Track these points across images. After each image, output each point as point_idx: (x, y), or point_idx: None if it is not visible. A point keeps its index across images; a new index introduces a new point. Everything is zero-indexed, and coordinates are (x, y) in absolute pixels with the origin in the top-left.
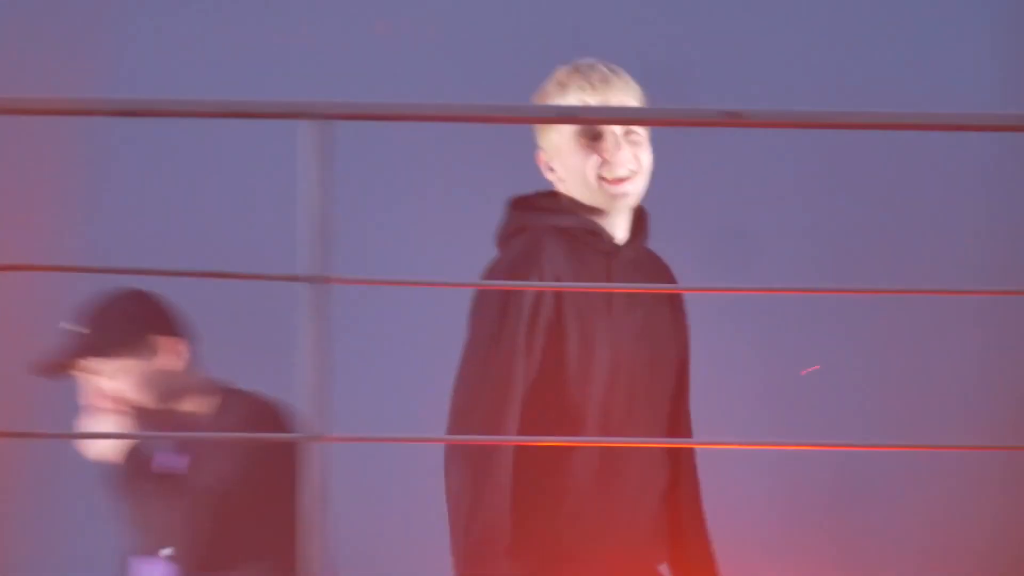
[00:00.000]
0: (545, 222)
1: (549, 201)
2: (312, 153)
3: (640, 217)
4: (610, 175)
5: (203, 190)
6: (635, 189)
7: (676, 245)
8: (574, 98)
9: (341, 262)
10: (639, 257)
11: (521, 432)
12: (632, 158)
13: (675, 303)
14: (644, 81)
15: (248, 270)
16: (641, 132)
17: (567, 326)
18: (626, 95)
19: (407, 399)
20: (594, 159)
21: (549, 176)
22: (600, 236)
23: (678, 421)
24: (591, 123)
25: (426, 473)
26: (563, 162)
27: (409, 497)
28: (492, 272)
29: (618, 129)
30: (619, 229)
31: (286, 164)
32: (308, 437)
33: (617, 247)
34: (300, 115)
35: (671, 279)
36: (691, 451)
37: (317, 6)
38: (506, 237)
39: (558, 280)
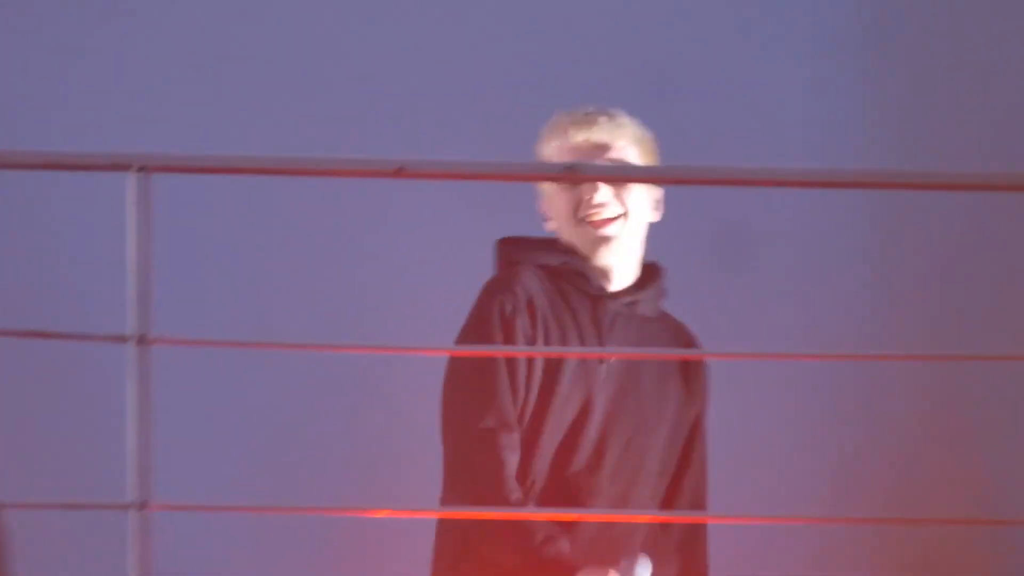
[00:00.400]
0: (533, 259)
1: (542, 243)
2: (133, 206)
3: (651, 272)
4: (586, 214)
5: (22, 245)
6: (618, 232)
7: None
8: (558, 140)
9: (169, 321)
10: (639, 311)
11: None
12: (612, 198)
13: (689, 371)
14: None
15: (71, 329)
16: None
17: (536, 363)
18: (612, 135)
19: (234, 462)
20: (574, 198)
21: (547, 226)
22: (587, 278)
23: (672, 506)
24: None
25: (258, 541)
26: (551, 205)
27: (239, 565)
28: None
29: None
30: (615, 276)
31: (114, 218)
32: (131, 504)
33: (607, 293)
34: (119, 167)
35: (687, 345)
36: (699, 542)
37: (146, 55)
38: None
39: (531, 306)
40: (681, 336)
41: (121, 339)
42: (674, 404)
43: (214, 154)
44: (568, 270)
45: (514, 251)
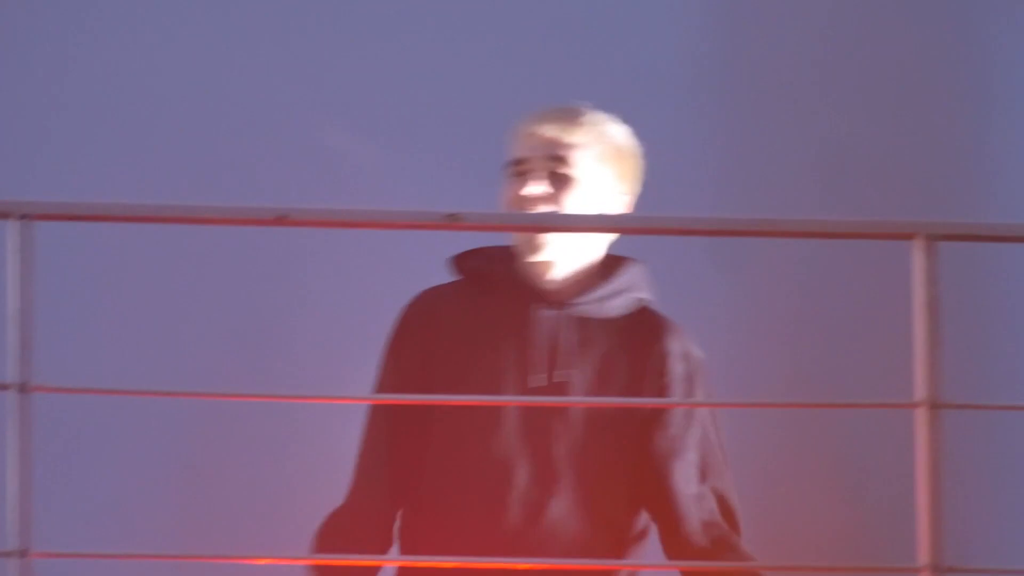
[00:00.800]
0: (469, 269)
1: (486, 250)
2: (11, 253)
3: (609, 267)
4: (522, 193)
5: None
6: (552, 239)
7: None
8: (515, 133)
9: (50, 369)
10: (594, 313)
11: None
12: (546, 193)
13: (661, 372)
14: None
15: None
16: (582, 172)
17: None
18: (565, 131)
19: (114, 511)
20: (513, 193)
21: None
22: (519, 284)
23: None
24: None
25: None
26: (502, 204)
27: None
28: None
29: (538, 158)
30: (561, 277)
31: None
32: (12, 552)
33: (543, 298)
34: (1, 215)
35: (665, 341)
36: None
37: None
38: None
39: (433, 324)
40: (659, 332)
41: (2, 387)
42: (655, 423)
43: (95, 201)
44: (500, 277)
45: (456, 265)
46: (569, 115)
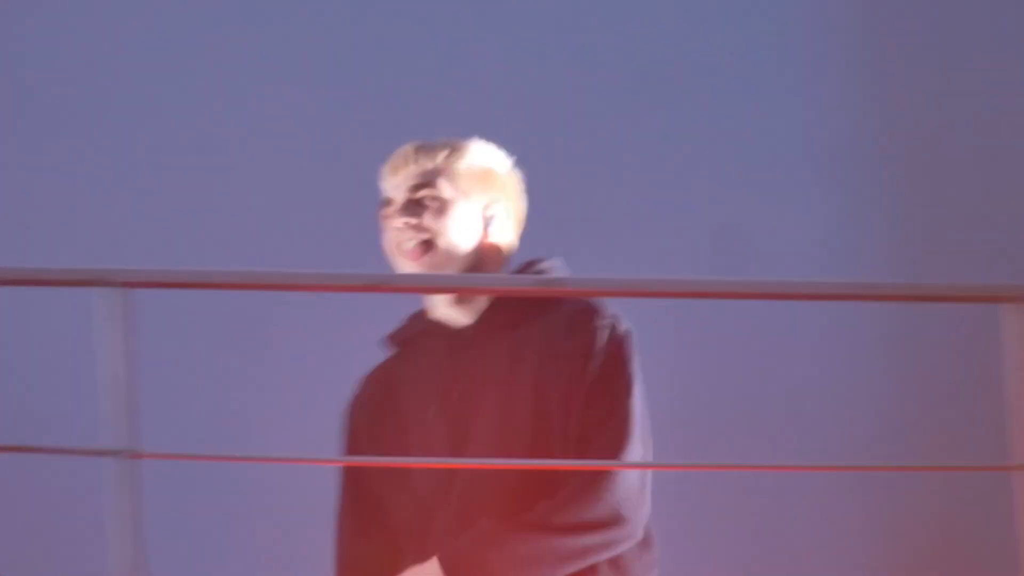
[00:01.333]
0: (396, 339)
1: (412, 316)
2: (110, 322)
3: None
4: (398, 247)
5: (4, 361)
6: (434, 261)
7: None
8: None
9: (158, 435)
10: (505, 324)
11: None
12: (415, 224)
13: (577, 346)
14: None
15: (52, 444)
16: (438, 194)
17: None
18: (419, 161)
19: (221, 570)
20: (390, 232)
21: None
22: (424, 327)
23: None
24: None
25: None
26: None
27: None
28: None
29: (401, 193)
30: (458, 309)
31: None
32: None
33: (450, 330)
34: (96, 282)
35: (570, 318)
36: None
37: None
38: None
39: (385, 393)
40: (558, 317)
41: (109, 453)
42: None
43: (195, 269)
44: (409, 328)
45: (388, 341)
46: (423, 147)
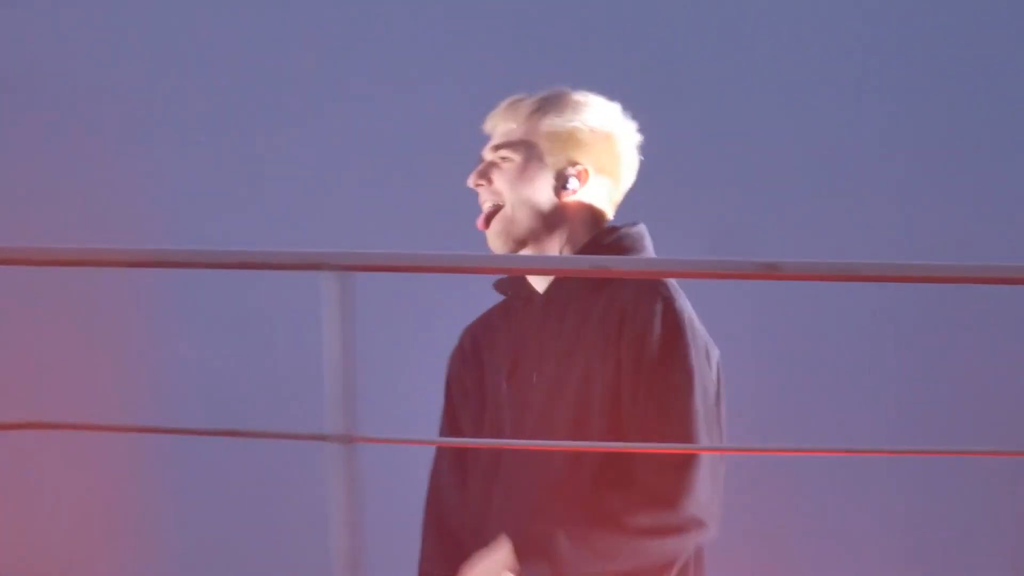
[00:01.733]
0: (499, 289)
1: None
2: (332, 305)
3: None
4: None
5: (223, 344)
6: (495, 228)
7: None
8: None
9: (373, 420)
10: (570, 299)
11: None
12: (485, 187)
13: (633, 330)
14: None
15: (271, 428)
16: (512, 155)
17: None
18: (504, 120)
19: None
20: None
21: None
22: (508, 289)
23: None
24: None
25: None
26: None
27: None
28: None
29: (487, 152)
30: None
31: (312, 318)
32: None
33: (526, 297)
34: (318, 266)
35: (633, 302)
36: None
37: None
38: None
39: (475, 349)
40: (619, 296)
41: (325, 438)
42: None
43: (414, 252)
44: (501, 289)
45: (495, 289)
46: (513, 104)
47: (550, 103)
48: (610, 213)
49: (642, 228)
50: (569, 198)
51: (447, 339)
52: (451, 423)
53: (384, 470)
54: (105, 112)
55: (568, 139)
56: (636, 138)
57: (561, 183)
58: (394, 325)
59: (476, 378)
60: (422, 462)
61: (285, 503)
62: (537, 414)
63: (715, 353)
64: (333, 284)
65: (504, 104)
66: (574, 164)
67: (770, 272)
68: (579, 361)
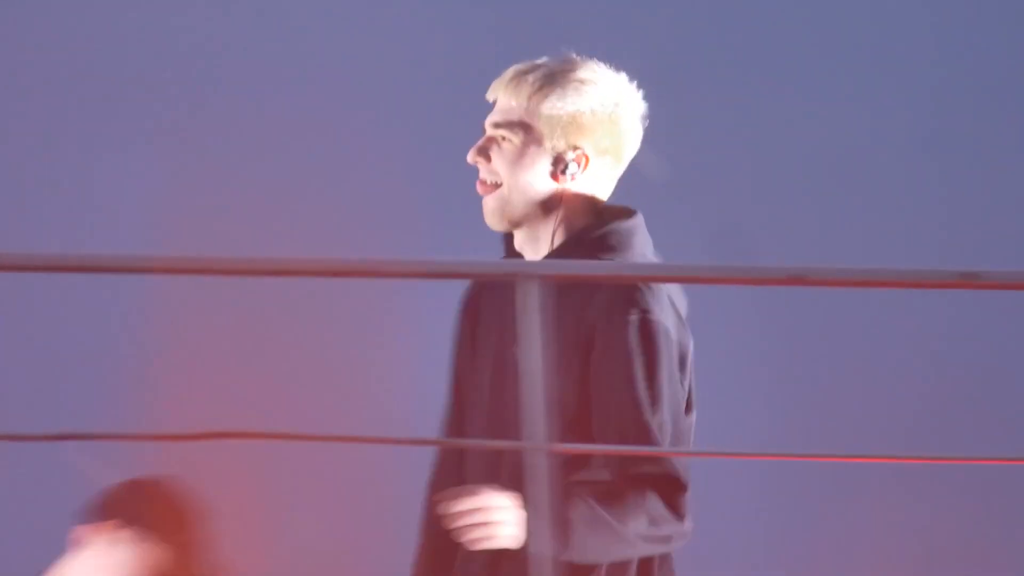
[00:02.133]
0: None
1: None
2: (530, 315)
3: (575, 244)
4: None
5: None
6: (490, 204)
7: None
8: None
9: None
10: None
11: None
12: (484, 165)
13: (606, 334)
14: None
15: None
16: (512, 137)
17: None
18: (507, 95)
19: None
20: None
21: None
22: (512, 249)
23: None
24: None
25: None
26: None
27: None
28: None
29: (488, 125)
30: (528, 247)
31: None
32: None
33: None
34: (515, 276)
35: (613, 309)
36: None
37: None
38: None
39: (472, 314)
40: (598, 302)
41: (526, 447)
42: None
43: (604, 262)
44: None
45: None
46: (518, 77)
47: (553, 83)
48: (610, 188)
49: (634, 223)
50: (567, 183)
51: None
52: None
53: None
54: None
55: (569, 123)
56: (641, 109)
57: (560, 168)
58: None
59: (472, 328)
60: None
61: None
62: (511, 396)
63: (690, 353)
64: (530, 294)
65: (508, 75)
66: (574, 148)
67: (970, 281)
68: (550, 355)
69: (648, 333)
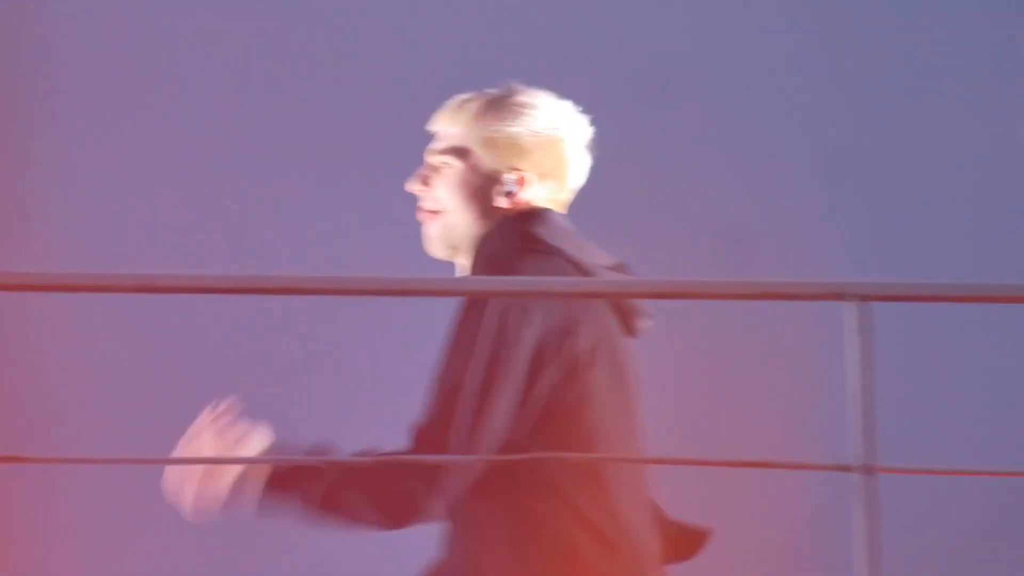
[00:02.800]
0: None
1: None
2: (853, 335)
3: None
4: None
5: (745, 376)
6: (432, 232)
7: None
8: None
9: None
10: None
11: None
12: (425, 192)
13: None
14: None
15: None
16: (452, 162)
17: None
18: (447, 123)
19: None
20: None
21: None
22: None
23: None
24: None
25: None
26: None
27: None
28: None
29: (430, 153)
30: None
31: (825, 348)
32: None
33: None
34: (840, 296)
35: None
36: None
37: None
38: None
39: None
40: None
41: (848, 468)
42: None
43: (933, 282)
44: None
45: None
46: (459, 105)
47: (492, 107)
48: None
49: (556, 221)
50: (508, 205)
51: (967, 368)
52: None
53: (904, 500)
54: None
55: (509, 146)
56: (586, 137)
57: (500, 191)
58: (912, 354)
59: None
60: (943, 493)
61: (809, 533)
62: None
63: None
64: (854, 313)
65: (449, 105)
66: (514, 171)
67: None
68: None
69: (506, 322)
